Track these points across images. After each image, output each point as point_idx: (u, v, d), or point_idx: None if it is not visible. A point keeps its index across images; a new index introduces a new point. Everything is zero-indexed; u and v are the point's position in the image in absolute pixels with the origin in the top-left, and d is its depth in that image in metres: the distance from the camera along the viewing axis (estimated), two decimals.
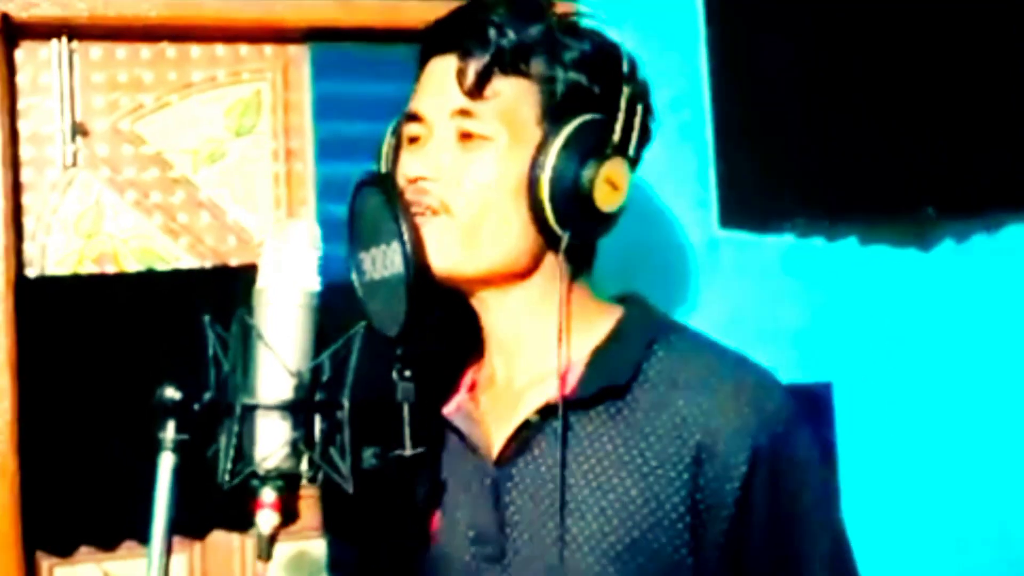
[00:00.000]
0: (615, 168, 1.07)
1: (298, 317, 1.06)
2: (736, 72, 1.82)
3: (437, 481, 1.20)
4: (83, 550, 1.63)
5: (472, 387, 1.20)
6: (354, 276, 1.16)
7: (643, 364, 1.08)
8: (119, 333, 1.63)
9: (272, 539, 1.06)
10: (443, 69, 1.09)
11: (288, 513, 1.70)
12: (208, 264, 1.71)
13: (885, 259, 1.92)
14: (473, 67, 1.07)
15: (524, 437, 1.10)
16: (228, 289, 1.64)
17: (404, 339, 1.10)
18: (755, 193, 1.84)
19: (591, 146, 1.06)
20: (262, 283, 1.07)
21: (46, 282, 1.63)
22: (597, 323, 1.13)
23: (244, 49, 1.75)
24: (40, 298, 1.60)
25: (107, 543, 1.64)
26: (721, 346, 1.13)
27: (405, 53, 1.25)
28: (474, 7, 1.11)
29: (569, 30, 1.10)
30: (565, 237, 1.07)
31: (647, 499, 1.03)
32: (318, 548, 1.74)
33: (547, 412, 1.09)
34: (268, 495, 1.05)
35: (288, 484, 1.05)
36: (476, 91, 1.07)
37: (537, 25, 1.08)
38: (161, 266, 1.70)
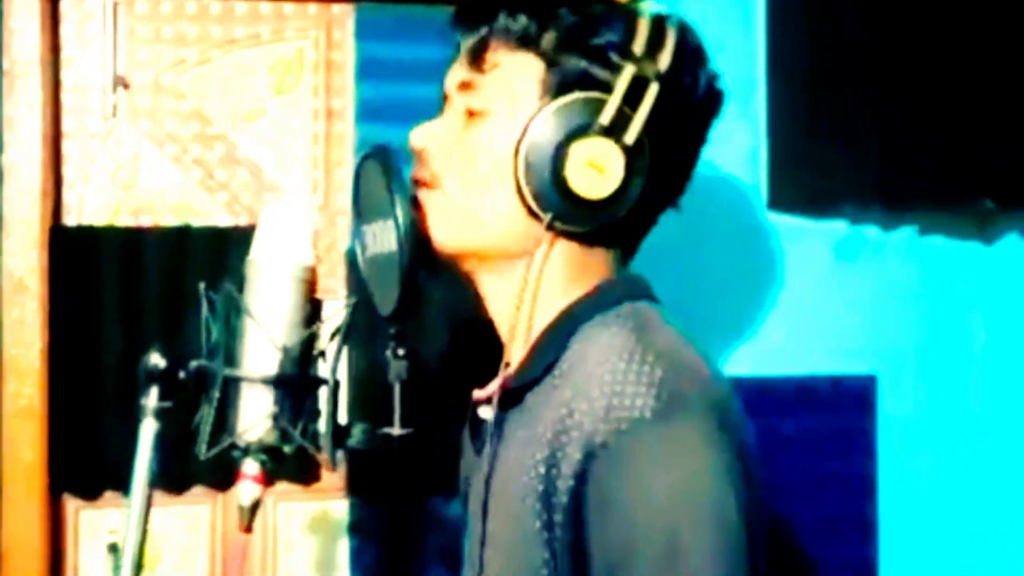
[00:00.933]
0: (599, 149, 0.96)
1: (289, 290, 1.05)
2: (795, 53, 1.75)
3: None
4: (108, 495, 1.66)
5: None
6: (357, 250, 1.14)
7: (560, 356, 0.99)
8: (151, 285, 1.64)
9: (253, 510, 1.05)
10: (462, 48, 1.07)
11: (309, 473, 1.73)
12: (244, 222, 1.72)
13: (944, 251, 1.85)
14: (475, 38, 1.03)
15: (483, 432, 1.07)
16: None
17: (398, 318, 1.08)
18: (807, 176, 1.77)
19: (575, 124, 0.97)
20: (254, 254, 1.06)
21: (83, 231, 1.65)
22: (555, 311, 1.03)
23: (288, 7, 1.73)
24: (76, 247, 1.62)
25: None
26: (639, 331, 0.96)
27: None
28: None
29: (602, 17, 1.01)
30: (546, 219, 0.98)
31: (520, 501, 0.94)
32: (339, 509, 1.75)
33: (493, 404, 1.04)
34: (250, 467, 1.04)
35: (271, 457, 1.05)
36: (474, 63, 1.02)
37: (563, 8, 1.01)
38: (197, 222, 1.70)
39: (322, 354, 1.08)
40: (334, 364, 1.05)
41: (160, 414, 1.03)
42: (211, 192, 1.72)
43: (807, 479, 1.80)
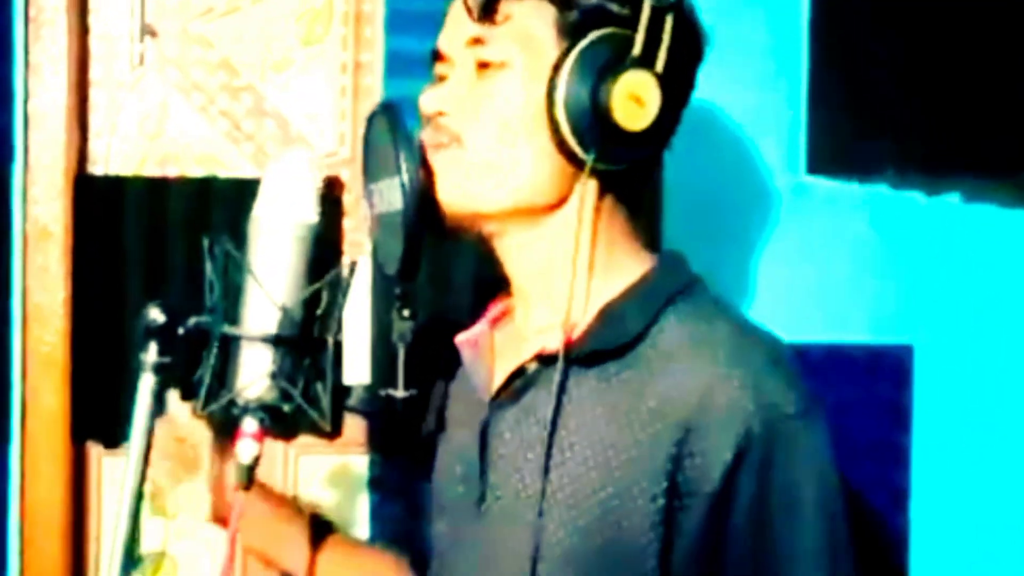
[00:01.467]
0: (637, 81, 0.98)
1: (291, 248, 1.03)
2: (837, 12, 1.68)
3: (444, 409, 1.19)
4: None
5: (496, 319, 1.16)
6: (366, 209, 1.13)
7: (651, 328, 1.01)
8: (175, 236, 1.64)
9: (252, 469, 1.04)
10: (459, 2, 1.05)
11: (332, 428, 1.73)
12: None
13: (989, 219, 1.78)
14: None
15: (518, 385, 1.06)
16: None
17: (403, 277, 1.06)
18: (849, 138, 1.72)
19: (608, 59, 0.99)
20: (257, 211, 1.05)
21: (108, 180, 1.65)
22: (622, 273, 1.06)
23: None
24: (101, 195, 1.62)
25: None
26: (741, 320, 1.05)
27: None
28: None
29: None
30: (589, 159, 1.00)
31: (623, 474, 0.97)
32: (360, 464, 1.74)
33: (546, 361, 1.04)
34: (249, 425, 1.03)
35: (271, 416, 1.04)
36: (484, 15, 1.02)
37: None
38: (223, 173, 1.69)
39: (326, 313, 1.06)
40: (335, 324, 1.04)
41: (159, 369, 1.02)
42: (237, 143, 1.70)
43: (839, 449, 1.75)
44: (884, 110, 1.67)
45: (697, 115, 1.69)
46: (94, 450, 1.69)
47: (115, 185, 1.64)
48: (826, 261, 1.76)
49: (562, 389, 1.01)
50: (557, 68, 0.99)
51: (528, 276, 1.08)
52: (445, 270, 1.64)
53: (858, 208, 1.76)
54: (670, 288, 1.04)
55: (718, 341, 0.99)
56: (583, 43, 0.99)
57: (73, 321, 1.60)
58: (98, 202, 1.62)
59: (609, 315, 1.03)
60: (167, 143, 1.69)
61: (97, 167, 1.66)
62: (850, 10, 1.68)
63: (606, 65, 0.99)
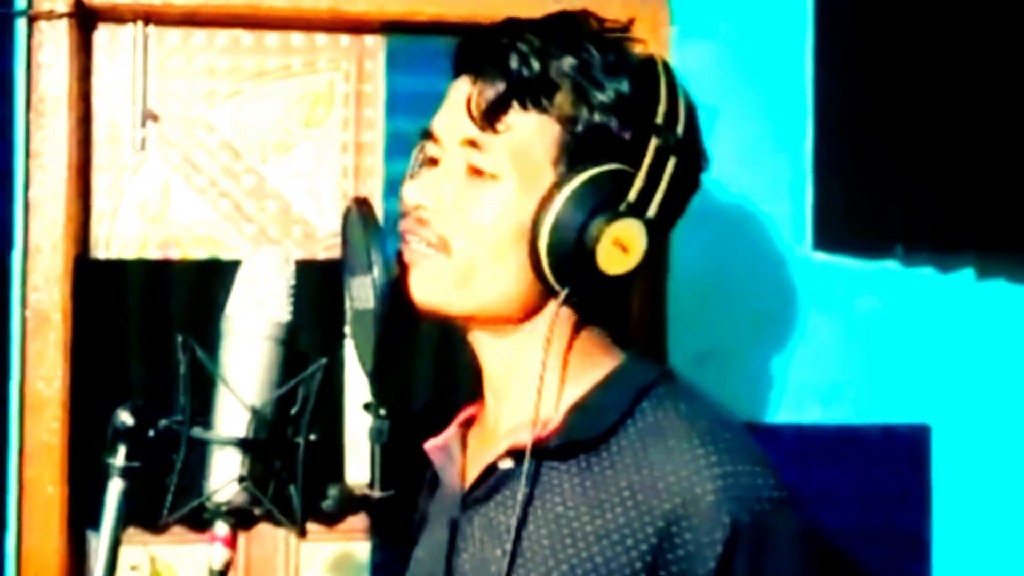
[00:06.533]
0: (627, 229, 0.97)
1: (262, 348, 1.02)
2: (844, 84, 1.66)
3: (421, 515, 1.17)
4: (131, 531, 1.65)
5: (466, 423, 1.14)
6: (347, 302, 1.11)
7: (626, 420, 1.00)
8: (177, 319, 1.63)
9: (223, 574, 1.02)
10: (462, 92, 1.02)
11: (336, 513, 1.70)
12: None
13: (1004, 295, 1.74)
14: (486, 96, 0.99)
15: (491, 482, 1.03)
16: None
17: (376, 375, 1.04)
18: (856, 213, 1.68)
19: (602, 200, 0.97)
20: (229, 309, 1.03)
21: (107, 264, 1.65)
22: (592, 371, 1.05)
23: (321, 38, 1.71)
24: (100, 279, 1.62)
25: (155, 526, 1.66)
26: (714, 408, 1.03)
27: None
28: (504, 29, 1.02)
29: (609, 66, 1.00)
30: (563, 294, 0.99)
31: (599, 566, 0.94)
32: (362, 551, 1.72)
33: (519, 457, 1.01)
34: (220, 529, 1.02)
35: (242, 519, 1.02)
36: (486, 123, 0.99)
37: (569, 57, 0.99)
38: (225, 255, 1.69)
39: (299, 413, 1.04)
40: (305, 426, 1.02)
41: (127, 473, 1.00)
42: (239, 226, 1.70)
43: (853, 535, 1.71)
44: (892, 184, 1.64)
45: (702, 191, 1.69)
46: (93, 539, 1.67)
47: (116, 269, 1.64)
48: (835, 339, 1.72)
49: (534, 483, 0.99)
50: (549, 197, 0.97)
51: (498, 374, 1.07)
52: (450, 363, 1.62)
53: (867, 284, 1.72)
54: (642, 380, 1.03)
55: (695, 430, 0.98)
56: (578, 179, 0.97)
57: (72, 409, 1.59)
58: (98, 286, 1.61)
59: (581, 408, 1.02)
60: (168, 226, 1.69)
61: (99, 251, 1.67)
62: (856, 84, 1.66)
63: (598, 206, 0.97)
